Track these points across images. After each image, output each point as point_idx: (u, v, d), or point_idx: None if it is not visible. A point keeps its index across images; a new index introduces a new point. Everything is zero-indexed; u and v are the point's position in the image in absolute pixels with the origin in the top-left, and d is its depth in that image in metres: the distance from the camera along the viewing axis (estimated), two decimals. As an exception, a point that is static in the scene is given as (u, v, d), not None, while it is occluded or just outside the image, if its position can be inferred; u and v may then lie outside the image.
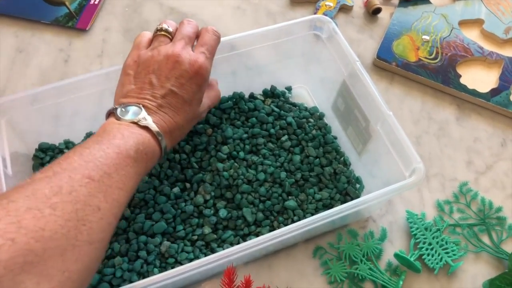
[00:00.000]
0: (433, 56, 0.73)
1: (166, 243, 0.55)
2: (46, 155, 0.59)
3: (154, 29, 0.54)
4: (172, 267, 0.54)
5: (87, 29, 0.74)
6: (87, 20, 0.75)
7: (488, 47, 0.76)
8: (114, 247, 0.54)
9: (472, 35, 0.77)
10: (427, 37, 0.75)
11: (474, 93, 0.70)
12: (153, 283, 0.45)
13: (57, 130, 0.61)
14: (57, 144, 0.61)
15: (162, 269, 0.54)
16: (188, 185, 0.60)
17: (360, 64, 0.57)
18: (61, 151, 0.60)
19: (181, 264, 0.54)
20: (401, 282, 0.56)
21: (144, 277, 0.52)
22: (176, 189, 0.59)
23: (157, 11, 0.78)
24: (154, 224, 0.56)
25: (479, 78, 0.73)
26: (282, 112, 0.65)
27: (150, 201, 0.58)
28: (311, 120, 0.66)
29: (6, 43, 0.73)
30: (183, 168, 0.61)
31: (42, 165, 0.59)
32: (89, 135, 0.62)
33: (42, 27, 0.75)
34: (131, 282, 0.52)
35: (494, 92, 0.71)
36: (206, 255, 0.55)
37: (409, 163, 0.51)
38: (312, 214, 0.58)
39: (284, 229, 0.48)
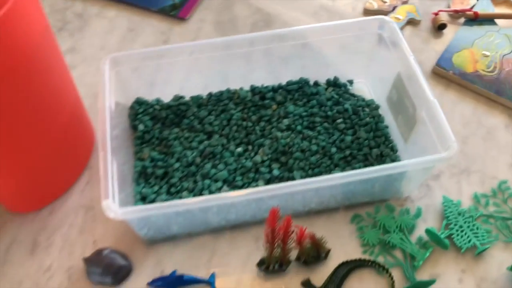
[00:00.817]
0: (490, 69, 0.79)
1: (226, 188, 0.65)
2: (140, 107, 0.73)
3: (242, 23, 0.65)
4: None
5: (186, 18, 0.89)
6: (188, 11, 0.89)
7: (547, 67, 0.80)
8: (183, 184, 0.65)
9: (533, 56, 0.82)
10: (487, 53, 0.81)
11: (526, 105, 0.75)
12: (213, 199, 0.55)
13: (152, 89, 0.75)
14: (149, 101, 0.74)
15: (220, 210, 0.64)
16: (250, 147, 0.70)
17: (414, 58, 0.65)
18: (152, 107, 0.73)
19: (235, 206, 0.63)
20: (427, 254, 0.62)
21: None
22: (240, 149, 0.70)
23: (245, 10, 0.91)
24: (218, 172, 0.67)
25: (534, 93, 0.77)
26: (340, 99, 0.74)
27: (217, 155, 0.69)
28: (366, 109, 0.74)
29: (120, 23, 0.89)
30: (248, 133, 0.72)
31: (136, 115, 0.72)
32: (177, 97, 0.75)
33: (150, 13, 0.91)
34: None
35: (546, 106, 0.75)
36: (257, 204, 0.65)
37: (445, 142, 0.58)
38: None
39: (326, 177, 0.56)
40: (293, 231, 0.58)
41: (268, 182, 0.66)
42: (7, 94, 0.51)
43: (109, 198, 0.53)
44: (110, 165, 0.56)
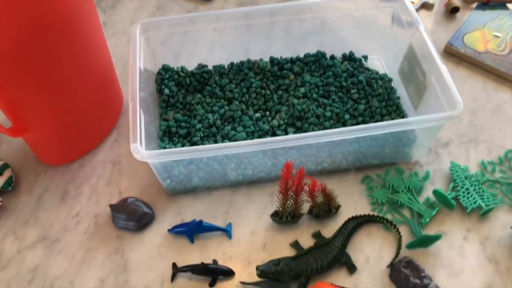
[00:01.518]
0: (501, 48, 0.82)
1: (244, 148, 0.70)
2: (166, 73, 0.78)
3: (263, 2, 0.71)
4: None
5: (213, -1, 0.94)
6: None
7: (557, 48, 0.83)
8: (204, 143, 0.70)
9: (543, 38, 0.85)
10: (498, 34, 0.84)
11: (535, 82, 0.78)
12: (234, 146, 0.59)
13: (177, 59, 0.80)
14: (175, 68, 0.79)
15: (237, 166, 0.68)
16: (268, 113, 0.74)
17: (423, 27, 0.69)
18: (177, 73, 0.78)
19: (252, 163, 0.68)
20: (434, 213, 0.65)
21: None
22: (258, 114, 0.74)
23: (267, -8, 0.96)
24: (237, 134, 0.71)
25: (543, 72, 0.80)
26: (355, 71, 0.78)
27: (237, 119, 0.73)
28: (380, 82, 0.78)
29: (150, 2, 0.95)
30: (266, 101, 0.76)
31: (162, 80, 0.77)
32: (200, 66, 0.79)
33: (177, -5, 0.96)
34: (212, 165, 0.66)
35: (555, 83, 0.77)
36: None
37: (452, 103, 0.61)
38: (366, 149, 0.69)
39: (337, 130, 0.60)
40: (305, 184, 0.62)
41: (283, 143, 0.70)
42: (50, 44, 0.57)
43: (137, 142, 0.58)
44: (139, 114, 0.61)
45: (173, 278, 0.61)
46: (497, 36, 0.84)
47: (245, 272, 0.62)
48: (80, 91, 0.66)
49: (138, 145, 0.58)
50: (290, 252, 0.63)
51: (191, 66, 0.80)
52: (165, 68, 0.78)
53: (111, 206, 0.66)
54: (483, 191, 0.67)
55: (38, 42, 0.55)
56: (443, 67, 0.64)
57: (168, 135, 0.71)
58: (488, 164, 0.70)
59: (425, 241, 0.62)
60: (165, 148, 0.69)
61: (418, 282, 0.58)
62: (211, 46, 0.82)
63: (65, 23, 0.57)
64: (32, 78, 0.58)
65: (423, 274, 0.59)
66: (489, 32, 0.85)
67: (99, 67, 0.68)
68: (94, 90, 0.69)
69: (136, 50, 0.68)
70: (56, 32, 0.57)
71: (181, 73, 0.78)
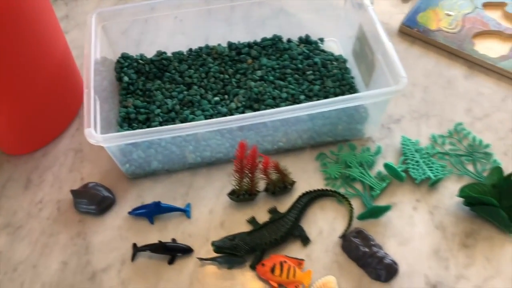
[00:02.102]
0: (452, 26, 0.85)
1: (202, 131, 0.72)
2: (125, 61, 0.79)
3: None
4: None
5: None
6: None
7: (507, 25, 0.85)
8: (163, 127, 0.72)
9: (494, 15, 0.87)
10: (450, 12, 0.87)
11: (484, 56, 0.80)
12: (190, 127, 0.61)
13: (138, 48, 0.81)
14: (134, 56, 0.81)
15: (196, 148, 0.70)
16: (226, 96, 0.76)
17: (372, 9, 0.71)
18: (136, 61, 0.80)
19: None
20: (384, 185, 0.67)
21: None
22: (216, 98, 0.76)
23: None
24: (196, 117, 0.73)
25: (492, 48, 0.82)
26: (311, 54, 0.80)
27: (196, 103, 0.75)
28: (335, 63, 0.80)
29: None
30: (225, 85, 0.78)
31: (121, 68, 0.79)
32: (159, 53, 0.81)
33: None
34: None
35: (503, 58, 0.80)
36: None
37: (397, 78, 0.64)
38: (320, 126, 0.71)
39: (291, 107, 0.62)
40: (259, 161, 0.64)
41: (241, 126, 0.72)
42: (1, 34, 0.58)
43: (91, 127, 0.60)
44: (93, 101, 0.63)
45: (133, 257, 0.63)
46: (449, 15, 0.87)
47: (204, 249, 0.64)
48: (37, 81, 0.67)
49: (92, 130, 0.59)
50: (247, 229, 0.65)
51: (152, 54, 0.82)
52: (124, 56, 0.80)
53: (73, 191, 0.67)
54: (432, 163, 0.69)
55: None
56: (389, 44, 0.67)
57: (128, 122, 0.73)
58: (438, 137, 0.73)
59: (376, 212, 0.65)
60: (124, 133, 0.71)
61: (368, 250, 0.61)
62: (172, 34, 0.83)
63: (16, 14, 0.59)
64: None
65: (372, 243, 0.62)
66: (441, 11, 0.87)
67: (55, 57, 0.70)
68: (51, 80, 0.70)
69: (91, 39, 0.70)
70: (7, 22, 0.58)
71: (140, 61, 0.79)
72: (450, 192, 0.68)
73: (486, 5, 0.89)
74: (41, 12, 0.64)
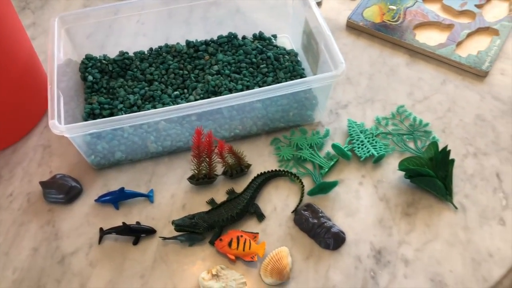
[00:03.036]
0: (395, 19, 0.92)
1: (163, 123, 0.76)
2: (89, 62, 0.84)
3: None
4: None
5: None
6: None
7: (444, 16, 0.92)
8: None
9: (433, 8, 0.94)
10: (393, 7, 0.94)
11: (424, 45, 0.87)
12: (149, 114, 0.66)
13: (102, 50, 0.86)
14: (98, 57, 0.85)
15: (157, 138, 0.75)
16: (186, 90, 0.82)
17: (314, 3, 0.77)
18: (100, 61, 0.84)
19: (170, 133, 0.74)
20: (332, 163, 0.73)
21: (141, 135, 0.73)
22: (176, 92, 0.81)
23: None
24: (156, 110, 0.78)
25: (431, 37, 0.89)
26: (264, 49, 0.86)
27: (157, 98, 0.80)
28: (287, 56, 0.86)
29: (76, 1, 1.01)
30: (184, 80, 0.83)
31: (86, 69, 0.83)
32: (122, 53, 0.86)
33: (103, -7, 1.03)
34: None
35: (441, 45, 0.87)
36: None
37: (336, 64, 0.70)
38: (273, 113, 0.77)
39: (244, 92, 0.68)
40: (215, 146, 0.69)
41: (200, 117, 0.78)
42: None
43: (55, 118, 0.64)
44: (56, 95, 0.67)
45: (100, 240, 0.67)
46: (392, 9, 0.93)
47: (166, 229, 0.68)
48: (1, 82, 0.72)
49: (56, 121, 0.64)
50: (207, 210, 0.70)
51: (113, 51, 0.87)
52: (88, 57, 0.85)
53: (41, 183, 0.71)
54: (376, 142, 0.75)
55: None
56: (329, 34, 0.73)
57: (93, 117, 0.78)
58: (382, 119, 0.79)
59: (324, 188, 0.70)
60: (89, 128, 0.76)
61: (316, 221, 0.66)
62: (135, 35, 0.89)
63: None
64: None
65: (321, 215, 0.67)
66: (385, 6, 0.94)
67: (20, 61, 0.74)
68: (17, 82, 0.74)
69: (54, 40, 0.74)
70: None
71: (104, 61, 0.84)
72: (392, 167, 0.74)
73: (426, -1, 0.96)
74: (3, 17, 0.69)
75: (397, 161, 0.73)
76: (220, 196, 0.71)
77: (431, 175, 0.69)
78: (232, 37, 0.88)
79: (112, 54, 0.87)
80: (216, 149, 0.69)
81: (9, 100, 0.74)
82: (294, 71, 0.83)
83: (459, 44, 0.88)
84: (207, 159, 0.70)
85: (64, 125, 0.64)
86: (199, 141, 0.68)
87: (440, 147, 0.70)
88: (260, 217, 0.69)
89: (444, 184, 0.69)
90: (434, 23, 0.92)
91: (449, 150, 0.70)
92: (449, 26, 0.91)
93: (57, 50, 0.74)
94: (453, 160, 0.70)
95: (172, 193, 0.72)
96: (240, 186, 0.72)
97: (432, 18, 0.92)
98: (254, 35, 0.89)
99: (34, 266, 0.66)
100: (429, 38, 0.89)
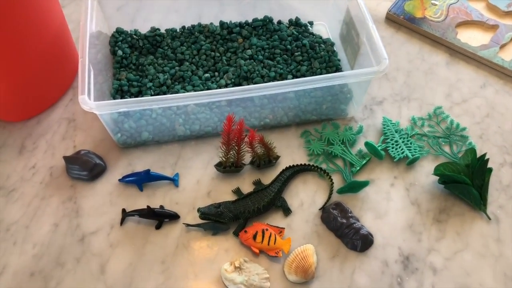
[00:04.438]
0: (437, 15, 0.88)
1: (192, 105, 0.74)
2: (120, 36, 0.82)
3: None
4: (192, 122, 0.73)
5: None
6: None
7: (489, 16, 0.89)
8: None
9: (477, 6, 0.90)
10: (436, 2, 0.90)
11: (466, 45, 0.84)
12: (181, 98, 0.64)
13: (133, 24, 0.83)
14: (128, 31, 0.83)
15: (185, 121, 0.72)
16: (216, 73, 0.79)
17: (359, -6, 0.74)
18: (130, 36, 0.82)
19: (199, 117, 0.72)
20: (364, 161, 0.71)
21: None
22: (207, 74, 0.78)
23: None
24: (186, 92, 0.75)
25: (474, 37, 0.86)
26: (300, 36, 0.83)
27: (187, 78, 0.78)
28: (323, 45, 0.83)
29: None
30: (215, 62, 0.81)
31: (116, 43, 0.81)
32: (153, 29, 0.83)
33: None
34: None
35: (483, 47, 0.83)
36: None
37: (379, 59, 0.67)
38: (306, 105, 0.74)
39: (278, 83, 0.65)
40: (246, 135, 0.67)
41: (230, 102, 0.75)
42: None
43: (85, 94, 0.62)
44: (87, 69, 0.65)
45: (122, 221, 0.66)
46: (434, 4, 0.90)
47: (190, 216, 0.67)
48: (33, 49, 0.69)
49: (86, 97, 0.62)
50: (232, 199, 0.68)
51: (145, 31, 0.84)
52: (119, 31, 0.82)
53: (65, 158, 0.70)
54: (411, 143, 0.73)
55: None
56: (373, 27, 0.70)
57: (121, 94, 0.76)
58: (418, 120, 0.76)
59: (354, 187, 0.68)
60: (117, 105, 0.74)
61: (345, 221, 0.65)
62: (166, 11, 0.86)
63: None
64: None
65: (350, 214, 0.66)
66: (427, 0, 0.90)
67: (52, 28, 0.71)
68: (48, 50, 0.72)
69: (87, 12, 0.71)
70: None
71: (134, 36, 0.82)
72: (426, 171, 0.71)
73: (470, -4, 0.92)
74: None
75: (431, 165, 0.71)
76: (246, 186, 0.70)
77: (467, 182, 0.66)
78: (267, 21, 0.85)
79: (142, 29, 0.84)
80: (246, 137, 0.67)
81: (38, 69, 0.72)
82: (330, 62, 0.80)
83: (502, 46, 0.84)
84: (236, 147, 0.68)
85: (94, 102, 0.62)
86: (229, 128, 0.65)
87: (476, 153, 0.68)
88: (287, 211, 0.67)
89: (480, 193, 0.67)
90: (477, 22, 0.88)
91: (488, 159, 0.67)
92: (493, 27, 0.87)
93: (90, 21, 0.71)
94: (490, 169, 0.68)
95: (198, 179, 0.70)
96: (267, 177, 0.70)
97: (476, 17, 0.88)
98: (290, 21, 0.86)
99: (54, 243, 0.64)
100: (471, 38, 0.85)
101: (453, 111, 0.77)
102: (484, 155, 0.67)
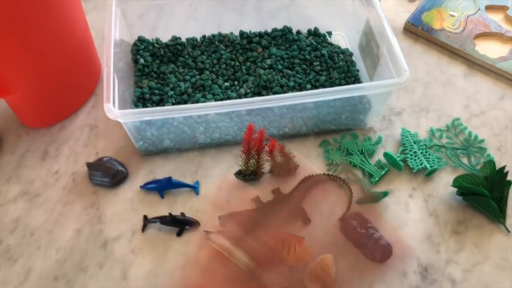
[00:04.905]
0: (455, 27, 0.88)
1: (213, 114, 0.75)
2: (141, 44, 0.83)
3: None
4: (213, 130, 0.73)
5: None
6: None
7: (507, 28, 0.89)
8: (175, 108, 0.75)
9: (496, 18, 0.91)
10: (454, 13, 0.91)
11: (484, 57, 0.84)
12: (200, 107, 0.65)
13: (153, 32, 0.85)
14: (150, 40, 0.84)
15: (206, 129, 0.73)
16: (236, 82, 0.80)
17: (379, 4, 0.75)
18: (152, 45, 0.83)
19: (219, 127, 0.73)
20: (383, 172, 0.71)
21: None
22: (227, 83, 0.79)
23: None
24: (206, 101, 0.76)
25: (492, 49, 0.86)
26: (319, 46, 0.84)
27: (207, 87, 0.79)
28: (341, 55, 0.84)
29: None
30: (235, 71, 0.82)
31: (138, 51, 0.82)
32: (174, 38, 0.84)
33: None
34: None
35: (502, 59, 0.84)
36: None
37: (399, 71, 0.67)
38: (325, 115, 0.75)
39: (297, 93, 0.66)
40: (266, 144, 0.68)
41: (250, 111, 0.76)
42: (29, 9, 0.62)
43: (110, 102, 0.63)
44: (112, 78, 0.66)
45: (143, 228, 0.67)
46: (452, 15, 0.90)
47: (210, 223, 0.68)
48: (58, 57, 0.71)
49: (111, 105, 0.63)
50: (251, 207, 0.69)
51: (166, 39, 0.85)
52: (141, 40, 0.83)
53: (88, 164, 0.71)
54: (429, 154, 0.73)
55: (17, 6, 0.60)
56: (394, 39, 0.70)
57: (142, 102, 0.77)
58: (436, 131, 0.77)
59: (374, 198, 0.68)
60: (139, 112, 0.75)
61: (365, 232, 0.65)
62: (186, 20, 0.87)
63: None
64: (13, 40, 0.63)
65: (369, 225, 0.66)
66: (445, 11, 0.91)
67: (77, 36, 0.73)
68: (72, 57, 0.73)
69: (111, 20, 0.73)
70: (35, 2, 0.62)
71: (156, 44, 0.83)
72: (444, 182, 0.72)
73: (488, 8, 0.92)
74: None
75: (449, 176, 0.71)
76: (266, 195, 0.70)
77: (486, 195, 0.67)
78: (286, 31, 0.86)
79: (162, 37, 0.85)
80: (266, 146, 0.68)
81: (62, 77, 0.73)
82: (349, 72, 0.81)
83: (521, 59, 0.85)
84: (256, 156, 0.69)
85: (119, 110, 0.63)
86: (250, 137, 0.66)
87: (495, 166, 0.68)
88: (306, 221, 0.68)
89: (499, 206, 0.67)
90: (496, 34, 0.88)
91: (507, 171, 0.67)
92: (512, 39, 0.87)
93: (114, 30, 0.73)
94: (510, 182, 0.68)
95: (218, 186, 0.71)
96: (286, 185, 0.71)
97: (495, 29, 0.88)
98: (309, 31, 0.87)
99: (77, 248, 0.66)
100: (489, 50, 0.86)
101: (471, 123, 0.78)
102: (504, 167, 0.68)
